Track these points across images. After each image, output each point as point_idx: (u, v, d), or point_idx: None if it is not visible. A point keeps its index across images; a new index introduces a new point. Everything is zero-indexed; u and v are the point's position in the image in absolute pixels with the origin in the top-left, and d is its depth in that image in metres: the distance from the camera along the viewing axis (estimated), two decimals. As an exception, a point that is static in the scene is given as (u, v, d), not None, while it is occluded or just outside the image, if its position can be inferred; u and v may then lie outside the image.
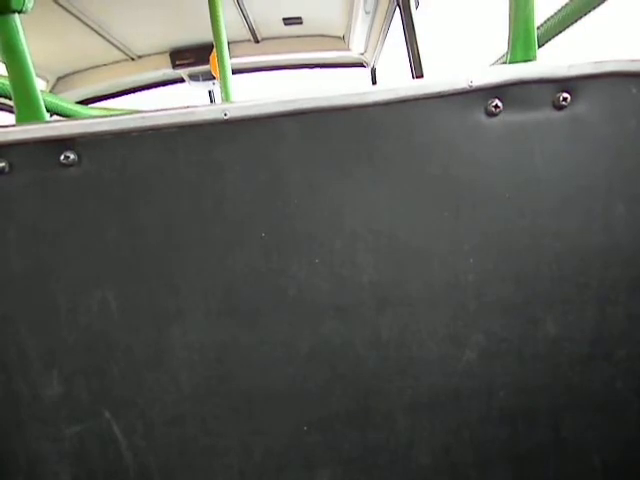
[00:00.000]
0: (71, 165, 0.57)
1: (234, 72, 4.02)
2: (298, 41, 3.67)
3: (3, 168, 0.56)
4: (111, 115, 1.25)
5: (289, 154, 0.57)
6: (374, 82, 3.80)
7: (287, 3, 3.27)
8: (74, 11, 2.88)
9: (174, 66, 3.84)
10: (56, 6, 2.77)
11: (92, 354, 0.59)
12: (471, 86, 0.57)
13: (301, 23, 3.47)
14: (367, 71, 3.84)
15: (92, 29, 3.17)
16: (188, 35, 3.53)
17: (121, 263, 0.58)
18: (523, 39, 0.59)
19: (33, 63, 2.34)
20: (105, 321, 0.59)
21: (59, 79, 3.90)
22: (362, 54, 3.67)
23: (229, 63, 2.11)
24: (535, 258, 0.60)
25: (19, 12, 0.54)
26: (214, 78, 3.91)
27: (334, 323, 0.59)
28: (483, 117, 0.57)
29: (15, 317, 0.58)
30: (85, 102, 4.04)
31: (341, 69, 3.90)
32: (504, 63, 0.59)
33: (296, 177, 0.58)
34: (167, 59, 3.81)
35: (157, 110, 0.60)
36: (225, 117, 0.57)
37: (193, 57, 3.74)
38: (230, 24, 3.15)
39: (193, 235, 0.59)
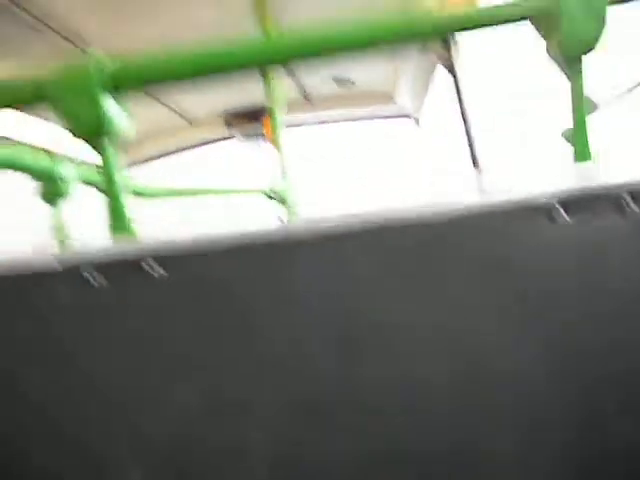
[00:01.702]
0: (158, 278, 0.61)
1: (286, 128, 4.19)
2: (347, 100, 3.80)
3: (95, 278, 0.61)
4: (179, 193, 1.34)
5: (354, 270, 0.59)
6: (417, 133, 3.86)
7: (337, 64, 3.40)
8: None
9: (227, 126, 4.02)
10: None
11: (172, 450, 0.61)
12: (535, 196, 0.58)
13: (351, 82, 3.60)
14: (411, 122, 3.91)
15: (152, 96, 3.39)
16: (240, 98, 3.71)
17: (200, 364, 0.61)
18: (582, 148, 0.60)
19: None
20: (186, 419, 0.61)
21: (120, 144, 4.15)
22: (407, 107, 3.75)
23: (281, 124, 2.19)
24: (603, 369, 0.58)
25: (114, 137, 0.62)
26: (264, 135, 4.06)
27: (405, 425, 0.59)
28: (548, 226, 0.58)
29: (101, 416, 0.62)
30: (143, 162, 4.27)
31: (386, 121, 3.98)
32: (566, 169, 0.60)
33: (365, 290, 0.60)
34: (220, 120, 4.00)
35: (235, 227, 0.65)
36: (288, 237, 0.60)
37: (245, 118, 3.91)
38: (282, 84, 3.30)
39: (269, 341, 0.61)
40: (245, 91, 3.52)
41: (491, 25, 0.66)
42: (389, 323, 0.60)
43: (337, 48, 0.60)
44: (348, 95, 3.78)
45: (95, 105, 0.58)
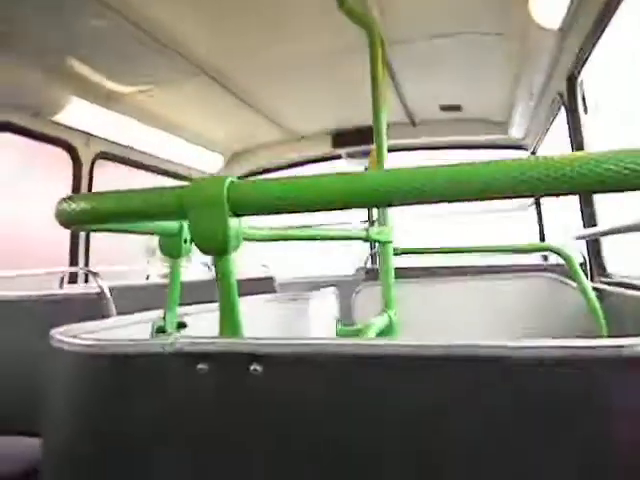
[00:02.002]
0: (257, 376, 0.66)
1: (390, 150, 4.20)
2: (455, 125, 3.72)
3: (204, 370, 0.67)
4: (285, 237, 1.41)
5: (433, 396, 0.61)
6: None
7: (446, 91, 3.35)
8: (248, 100, 3.28)
9: (334, 145, 4.11)
10: (234, 97, 3.18)
11: None
12: (626, 353, 0.55)
13: (459, 110, 3.52)
14: (525, 154, 3.74)
15: (263, 114, 3.56)
16: (347, 119, 3.77)
17: (278, 466, 0.66)
18: None
19: (212, 142, 2.71)
20: None
21: (234, 155, 4.40)
22: (522, 139, 3.59)
23: (386, 149, 2.18)
24: None
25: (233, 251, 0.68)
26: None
27: None
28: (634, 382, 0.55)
29: None
30: (252, 174, 4.48)
31: (498, 151, 3.84)
32: None
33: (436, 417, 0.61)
34: (329, 139, 4.10)
35: (328, 339, 0.68)
36: (395, 352, 0.61)
37: (352, 138, 3.97)
38: (389, 108, 3.31)
39: (341, 457, 0.64)
40: (354, 111, 3.58)
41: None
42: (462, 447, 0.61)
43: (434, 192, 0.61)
44: (454, 122, 3.70)
45: (224, 226, 0.64)
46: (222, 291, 0.71)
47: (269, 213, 0.68)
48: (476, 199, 0.65)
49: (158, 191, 0.70)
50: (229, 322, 0.73)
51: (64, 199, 0.74)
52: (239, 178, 0.69)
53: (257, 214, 0.67)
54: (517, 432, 0.60)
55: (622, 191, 0.57)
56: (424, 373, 0.64)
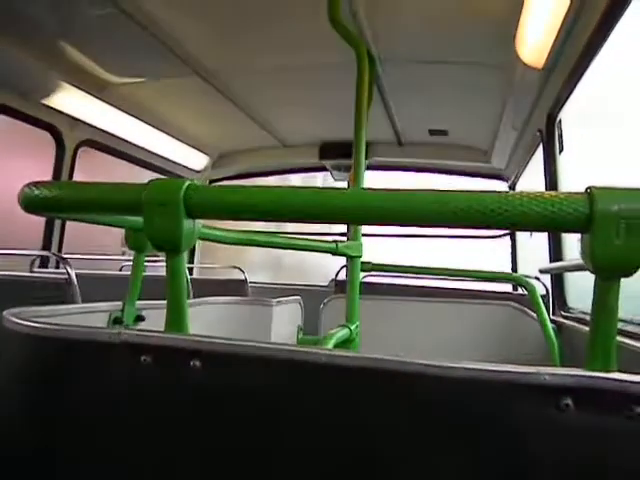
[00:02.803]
0: (196, 371, 0.68)
1: (375, 168, 4.27)
2: (440, 149, 3.79)
3: (147, 362, 0.70)
4: (252, 242, 1.44)
5: (370, 411, 0.64)
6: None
7: (434, 115, 3.42)
8: (239, 103, 3.30)
9: (321, 157, 4.15)
10: (225, 99, 3.20)
11: None
12: (545, 382, 0.59)
13: (445, 134, 3.59)
14: (504, 186, 3.83)
15: (253, 118, 3.59)
16: (336, 131, 3.81)
17: (216, 464, 0.69)
18: (603, 352, 0.61)
19: (200, 142, 2.72)
20: None
21: (220, 156, 4.42)
22: (503, 170, 3.67)
23: (364, 166, 2.19)
24: None
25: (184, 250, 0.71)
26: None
27: None
28: (554, 412, 0.59)
29: None
30: (238, 177, 4.50)
31: (478, 179, 3.92)
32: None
33: (374, 433, 0.64)
34: (316, 150, 4.14)
35: (269, 343, 0.71)
36: (322, 361, 0.64)
37: (339, 151, 4.01)
38: (377, 126, 3.37)
39: (277, 461, 0.67)
40: (343, 125, 3.63)
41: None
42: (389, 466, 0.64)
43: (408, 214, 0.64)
44: (440, 146, 3.78)
45: (178, 226, 0.67)
46: (170, 288, 0.74)
47: (224, 218, 0.71)
48: (422, 225, 0.69)
49: (120, 186, 0.73)
50: (175, 318, 0.75)
51: (28, 185, 0.76)
52: (224, 179, 0.72)
53: (212, 218, 0.70)
54: (428, 443, 0.63)
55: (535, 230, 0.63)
56: (348, 382, 0.67)
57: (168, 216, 0.68)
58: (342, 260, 3.84)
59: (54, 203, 0.74)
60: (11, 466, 0.78)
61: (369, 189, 0.67)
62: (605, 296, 0.61)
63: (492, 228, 0.65)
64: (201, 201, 0.68)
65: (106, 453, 0.75)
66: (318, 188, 0.69)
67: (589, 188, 0.60)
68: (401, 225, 0.67)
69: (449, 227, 0.66)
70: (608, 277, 0.60)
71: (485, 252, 4.52)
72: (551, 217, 0.59)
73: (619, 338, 0.64)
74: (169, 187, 0.69)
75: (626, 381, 0.58)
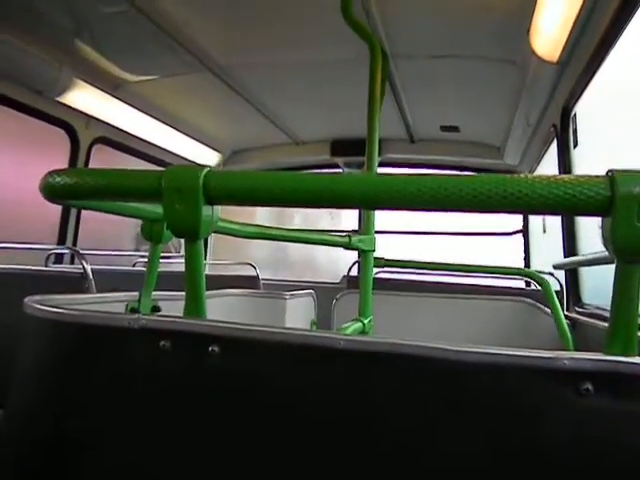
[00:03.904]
0: (214, 356, 0.69)
1: (387, 165, 4.26)
2: (452, 146, 3.77)
3: (166, 347, 0.71)
4: (266, 236, 1.44)
5: (382, 391, 0.64)
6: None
7: (446, 111, 3.40)
8: (251, 100, 3.32)
9: (332, 154, 4.16)
10: (238, 96, 3.22)
11: None
12: (565, 366, 0.59)
13: (457, 131, 3.57)
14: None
15: (265, 115, 3.60)
16: (348, 128, 3.81)
17: (232, 453, 0.69)
18: (624, 338, 0.61)
19: (213, 139, 2.73)
20: None
21: (233, 153, 4.44)
22: (516, 166, 3.64)
23: (377, 161, 2.19)
24: None
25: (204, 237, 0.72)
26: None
27: None
28: (573, 397, 0.59)
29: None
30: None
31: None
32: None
33: (386, 413, 0.65)
34: (327, 147, 4.15)
35: (286, 328, 0.71)
36: (340, 346, 0.65)
37: (350, 148, 4.01)
38: (389, 123, 3.37)
39: (286, 446, 0.67)
40: (354, 122, 3.63)
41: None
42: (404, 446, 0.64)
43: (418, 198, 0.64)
44: (452, 143, 3.76)
45: (197, 212, 0.68)
46: (189, 274, 0.75)
47: (243, 204, 0.71)
48: (442, 210, 0.68)
49: (139, 172, 0.74)
50: (193, 304, 0.76)
51: (49, 173, 0.77)
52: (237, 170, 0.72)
53: (231, 204, 0.70)
54: (445, 426, 0.63)
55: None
56: (367, 367, 0.67)
57: (187, 202, 0.68)
58: (353, 257, 3.86)
59: (75, 190, 0.75)
60: (33, 447, 0.79)
61: (389, 174, 0.67)
62: (627, 280, 0.61)
63: (511, 212, 0.65)
64: (219, 187, 0.69)
65: (125, 436, 0.76)
66: (335, 173, 0.70)
67: (610, 171, 0.59)
68: (418, 209, 0.67)
69: (467, 211, 0.65)
70: (630, 260, 0.60)
71: (498, 250, 4.50)
72: (572, 200, 0.59)
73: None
74: (188, 173, 0.69)
75: None
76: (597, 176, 0.60)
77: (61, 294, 1.07)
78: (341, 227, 4.60)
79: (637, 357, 0.60)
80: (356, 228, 4.52)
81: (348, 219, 4.88)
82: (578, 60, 2.06)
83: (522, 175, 0.63)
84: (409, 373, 0.65)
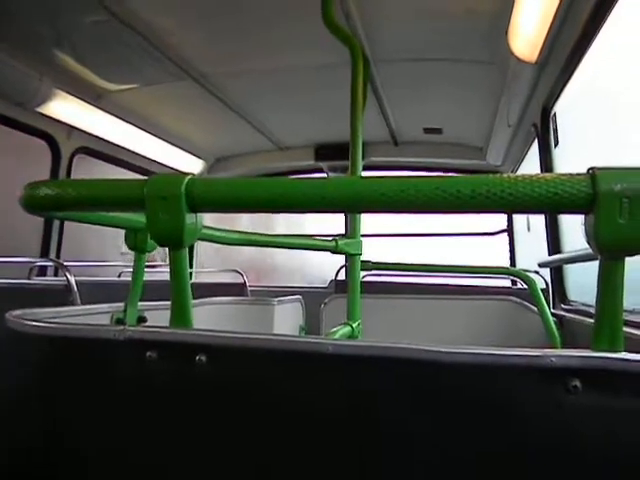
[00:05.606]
0: (202, 365, 0.68)
1: (371, 168, 4.27)
2: (435, 147, 3.80)
3: (153, 357, 0.70)
4: (251, 242, 1.44)
5: (375, 393, 0.64)
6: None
7: (428, 113, 3.43)
8: (234, 107, 3.31)
9: (316, 158, 4.16)
10: (220, 104, 3.21)
11: None
12: (552, 364, 0.59)
13: (440, 133, 3.60)
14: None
15: (248, 122, 3.59)
16: (331, 133, 3.82)
17: (219, 458, 0.68)
18: (610, 333, 0.61)
19: (196, 146, 2.71)
20: None
21: (216, 160, 4.42)
22: (499, 166, 3.68)
23: (361, 165, 2.19)
24: None
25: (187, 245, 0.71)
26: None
27: None
28: (562, 394, 0.59)
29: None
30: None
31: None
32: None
33: (379, 413, 0.64)
34: (311, 152, 4.15)
35: (274, 334, 0.71)
36: (329, 351, 0.64)
37: (334, 152, 4.02)
38: (372, 126, 3.38)
39: (283, 452, 0.66)
40: (337, 126, 3.63)
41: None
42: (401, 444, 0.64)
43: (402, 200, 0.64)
44: (436, 145, 3.79)
45: (180, 221, 0.67)
46: (174, 283, 0.74)
47: (226, 210, 0.71)
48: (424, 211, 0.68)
49: (122, 182, 0.73)
50: (179, 314, 0.75)
51: (29, 185, 0.76)
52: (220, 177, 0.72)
53: (214, 211, 0.70)
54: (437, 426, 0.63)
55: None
56: (356, 371, 0.67)
57: (170, 210, 0.68)
58: (340, 261, 3.86)
59: (56, 201, 0.74)
60: (21, 461, 0.78)
61: (371, 177, 0.67)
62: (610, 276, 0.61)
63: (495, 212, 0.65)
64: (202, 194, 0.68)
65: (114, 448, 0.75)
66: (319, 178, 0.70)
67: (591, 169, 0.60)
68: (403, 212, 0.67)
69: (450, 213, 0.66)
70: (613, 257, 0.61)
71: (483, 249, 4.54)
72: (554, 199, 0.59)
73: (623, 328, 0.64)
74: (171, 181, 0.69)
75: (635, 361, 0.58)
76: (579, 174, 0.60)
77: (45, 307, 1.06)
78: (330, 231, 4.59)
79: (624, 353, 0.60)
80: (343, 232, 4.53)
81: (333, 222, 4.88)
82: (556, 60, 2.09)
83: (504, 175, 0.63)
84: (397, 376, 0.65)
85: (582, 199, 0.59)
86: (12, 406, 0.82)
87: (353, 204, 0.69)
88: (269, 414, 0.70)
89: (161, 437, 0.74)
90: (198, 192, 0.68)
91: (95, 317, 1.24)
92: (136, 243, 1.16)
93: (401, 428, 0.65)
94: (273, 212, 0.72)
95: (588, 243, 0.62)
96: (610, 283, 0.62)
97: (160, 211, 0.68)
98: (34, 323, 0.79)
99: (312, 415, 0.68)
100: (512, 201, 0.61)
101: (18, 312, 0.87)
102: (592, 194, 0.58)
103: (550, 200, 0.60)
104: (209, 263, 4.77)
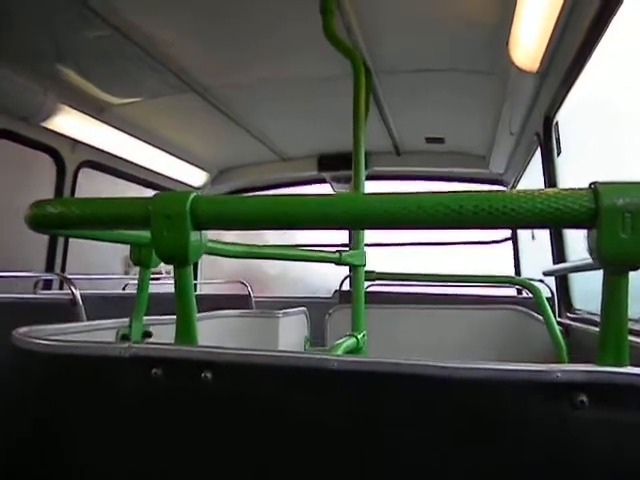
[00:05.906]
0: (207, 382, 0.69)
1: (374, 178, 4.28)
2: (438, 157, 3.80)
3: (158, 374, 0.70)
4: (255, 254, 1.44)
5: (379, 411, 0.64)
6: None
7: (430, 123, 3.44)
8: (236, 119, 3.33)
9: (319, 169, 4.17)
10: (223, 116, 3.23)
11: None
12: (558, 379, 0.59)
13: (443, 142, 3.61)
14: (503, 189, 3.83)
15: (251, 133, 3.61)
16: (334, 143, 3.83)
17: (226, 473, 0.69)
18: (615, 347, 0.61)
19: (199, 158, 2.73)
20: None
21: (219, 172, 4.44)
22: (502, 174, 3.68)
23: (364, 176, 2.19)
24: None
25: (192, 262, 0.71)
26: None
27: None
28: (568, 410, 0.59)
29: None
30: (238, 192, 4.51)
31: (477, 185, 3.94)
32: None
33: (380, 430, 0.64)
34: (314, 162, 4.16)
35: (277, 351, 0.71)
36: (334, 367, 0.64)
37: (337, 163, 4.03)
38: (375, 137, 3.39)
39: (288, 465, 0.66)
40: (340, 136, 3.65)
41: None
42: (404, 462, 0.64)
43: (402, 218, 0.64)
44: (438, 154, 3.80)
45: (185, 238, 0.68)
46: (179, 299, 0.74)
47: (230, 228, 0.71)
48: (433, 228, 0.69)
49: (126, 200, 0.74)
50: (184, 329, 0.75)
51: (34, 204, 0.76)
52: (224, 195, 0.72)
53: (219, 228, 0.70)
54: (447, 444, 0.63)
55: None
56: (362, 387, 0.67)
57: (175, 228, 0.68)
58: (343, 270, 3.85)
59: (61, 219, 0.75)
60: (25, 479, 0.78)
61: (375, 194, 0.68)
62: (614, 290, 0.61)
63: (498, 228, 0.66)
64: (207, 212, 0.68)
65: (119, 467, 0.75)
66: (324, 195, 0.70)
67: (593, 184, 0.60)
68: (407, 229, 0.67)
69: (454, 229, 0.66)
70: (616, 271, 0.61)
71: (488, 258, 4.52)
72: (556, 214, 0.60)
73: (629, 337, 0.64)
74: (175, 199, 0.69)
75: None
76: (581, 189, 0.61)
77: (51, 322, 1.06)
78: (335, 241, 4.59)
79: (629, 367, 0.60)
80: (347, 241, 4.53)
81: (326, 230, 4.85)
82: (557, 70, 2.10)
83: (507, 191, 0.63)
84: (403, 393, 0.65)
85: (584, 214, 0.59)
86: (18, 422, 0.82)
87: (356, 221, 0.69)
88: (275, 431, 0.70)
89: (167, 454, 0.74)
90: (203, 210, 0.68)
91: (101, 333, 1.24)
92: (141, 258, 1.17)
93: (405, 445, 0.64)
94: (277, 229, 0.73)
95: (591, 257, 0.62)
96: (614, 297, 0.62)
97: (165, 229, 0.69)
98: (39, 341, 0.79)
99: (318, 432, 0.68)
100: (514, 217, 0.61)
101: (24, 329, 0.87)
102: (594, 209, 0.58)
103: (552, 215, 0.60)
104: (207, 272, 4.77)
